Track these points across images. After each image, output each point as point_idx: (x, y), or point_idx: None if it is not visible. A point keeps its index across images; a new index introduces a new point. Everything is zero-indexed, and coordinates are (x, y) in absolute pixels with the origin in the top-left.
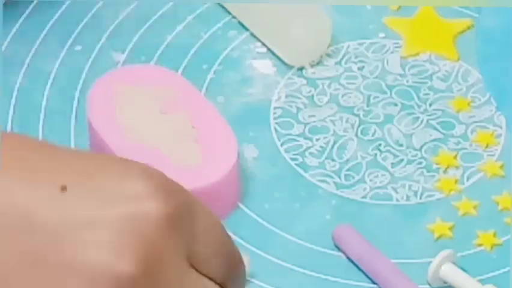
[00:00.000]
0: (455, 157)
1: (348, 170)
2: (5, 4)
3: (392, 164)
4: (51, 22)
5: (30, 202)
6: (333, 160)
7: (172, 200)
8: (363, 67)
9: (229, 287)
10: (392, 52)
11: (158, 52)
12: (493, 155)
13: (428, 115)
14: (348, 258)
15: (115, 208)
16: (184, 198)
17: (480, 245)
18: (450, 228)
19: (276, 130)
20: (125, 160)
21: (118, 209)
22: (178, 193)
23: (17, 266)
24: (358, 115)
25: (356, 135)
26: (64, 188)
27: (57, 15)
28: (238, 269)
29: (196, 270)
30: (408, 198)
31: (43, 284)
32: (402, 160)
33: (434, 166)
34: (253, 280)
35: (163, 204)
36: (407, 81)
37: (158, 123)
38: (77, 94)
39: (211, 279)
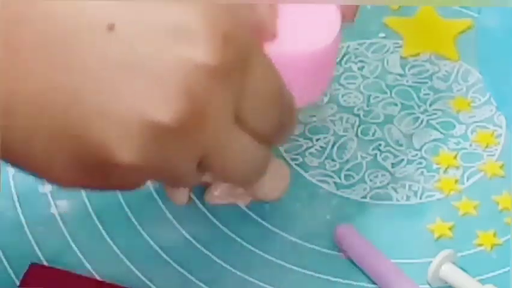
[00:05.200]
0: (455, 157)
1: (348, 170)
2: None
3: (392, 164)
4: None
5: (74, 38)
6: (333, 160)
7: (228, 51)
8: (363, 67)
9: (275, 141)
10: (392, 52)
11: None
12: (493, 155)
13: (428, 115)
14: (348, 258)
15: (164, 53)
16: (243, 49)
17: (480, 245)
18: (450, 228)
19: None
20: None
21: (167, 55)
22: (237, 42)
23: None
24: (358, 115)
25: (356, 135)
26: (111, 27)
27: None
28: (287, 125)
29: (242, 124)
30: (408, 198)
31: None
32: (402, 160)
33: (434, 166)
34: (253, 280)
35: (217, 54)
36: (407, 81)
37: None
38: None
39: (254, 133)
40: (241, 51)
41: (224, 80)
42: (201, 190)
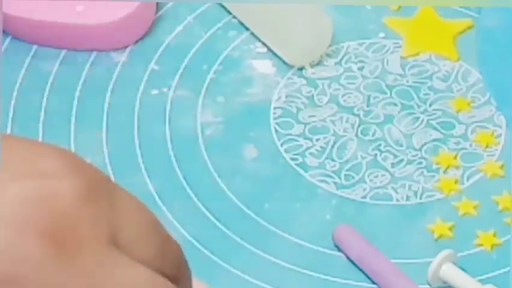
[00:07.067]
0: (455, 157)
1: (348, 170)
2: None
3: (392, 164)
4: None
5: None
6: (333, 160)
7: (87, 177)
8: (363, 67)
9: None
10: (392, 52)
11: (159, 52)
12: (493, 155)
13: (428, 115)
14: (348, 258)
15: (27, 184)
16: (99, 176)
17: (480, 245)
18: (450, 228)
19: (276, 130)
20: (35, 141)
21: (30, 184)
22: (92, 171)
23: None
24: (358, 115)
25: (356, 135)
26: None
27: None
28: (173, 255)
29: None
30: (408, 198)
31: None
32: (402, 160)
33: (434, 166)
34: (253, 280)
35: (78, 180)
36: (407, 81)
37: None
38: (77, 94)
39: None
40: (98, 175)
41: (91, 200)
42: (202, 191)
